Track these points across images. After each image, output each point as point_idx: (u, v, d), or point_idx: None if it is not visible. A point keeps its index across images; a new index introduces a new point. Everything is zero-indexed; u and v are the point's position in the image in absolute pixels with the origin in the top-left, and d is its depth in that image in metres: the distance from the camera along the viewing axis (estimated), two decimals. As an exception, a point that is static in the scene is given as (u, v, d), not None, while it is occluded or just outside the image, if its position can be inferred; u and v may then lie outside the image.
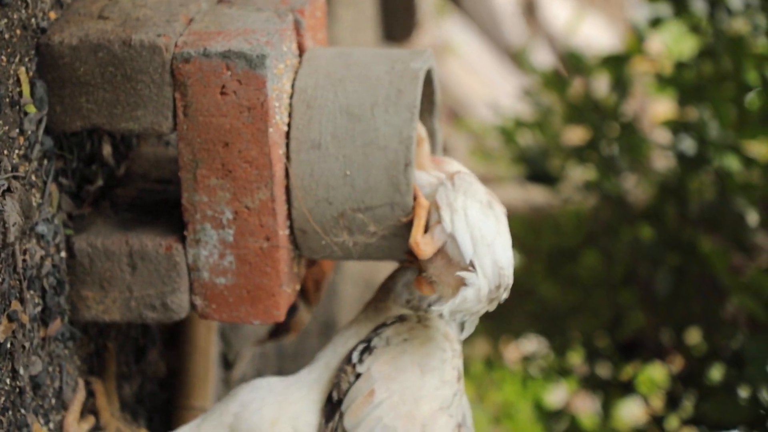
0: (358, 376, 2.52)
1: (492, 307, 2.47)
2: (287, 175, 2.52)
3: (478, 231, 2.41)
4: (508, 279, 2.44)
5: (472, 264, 2.39)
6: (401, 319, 2.59)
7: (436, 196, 2.46)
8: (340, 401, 2.51)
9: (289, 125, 2.52)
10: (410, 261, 2.57)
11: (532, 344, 6.44)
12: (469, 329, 2.59)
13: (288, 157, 2.51)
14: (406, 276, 2.66)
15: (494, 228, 2.44)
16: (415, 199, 2.49)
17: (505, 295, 2.45)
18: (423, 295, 2.61)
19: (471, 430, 2.69)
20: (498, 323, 6.28)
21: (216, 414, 2.56)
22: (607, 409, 5.46)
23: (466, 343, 7.42)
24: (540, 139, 5.41)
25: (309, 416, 2.53)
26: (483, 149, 6.65)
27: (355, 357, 2.54)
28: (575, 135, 5.54)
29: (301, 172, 2.51)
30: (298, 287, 2.69)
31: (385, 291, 2.69)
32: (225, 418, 2.54)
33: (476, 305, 2.42)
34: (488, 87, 9.29)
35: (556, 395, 7.49)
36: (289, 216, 2.56)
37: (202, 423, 2.56)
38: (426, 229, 2.46)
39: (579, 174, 5.33)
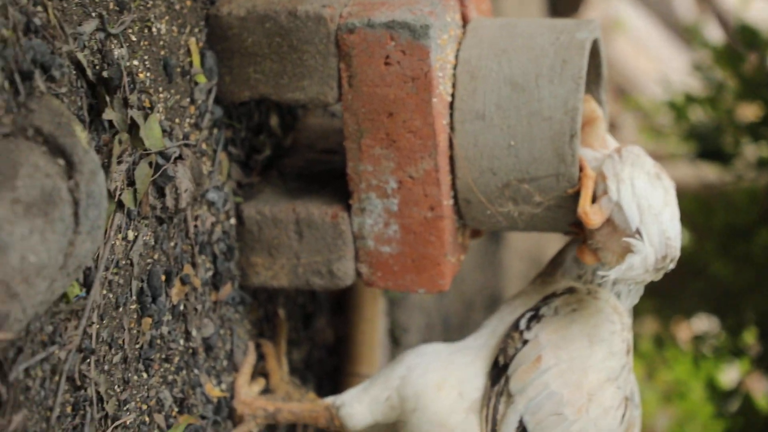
0: (525, 342, 2.53)
1: (658, 277, 2.45)
2: (451, 146, 2.54)
3: (645, 200, 2.40)
4: (675, 250, 2.42)
5: (638, 232, 2.38)
6: (570, 290, 2.59)
7: (603, 167, 2.46)
8: (506, 366, 2.53)
9: (452, 96, 2.54)
10: (576, 232, 2.57)
11: (703, 324, 6.35)
12: (634, 299, 2.59)
13: (452, 128, 2.53)
14: (570, 255, 2.66)
15: (662, 198, 2.43)
16: (581, 169, 2.49)
17: (671, 266, 2.44)
18: (594, 269, 2.61)
19: (638, 406, 2.67)
20: (668, 301, 6.20)
21: (383, 377, 2.60)
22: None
23: (636, 320, 7.37)
24: (712, 115, 5.30)
25: (475, 381, 2.55)
26: (652, 126, 6.56)
27: (522, 324, 2.56)
28: (749, 111, 5.42)
29: (465, 143, 2.53)
30: (462, 257, 2.71)
31: (554, 265, 2.70)
32: (392, 381, 2.58)
33: (642, 273, 2.41)
34: (657, 63, 9.13)
35: (729, 375, 7.36)
36: (453, 186, 2.58)
37: (369, 386, 2.61)
38: (593, 200, 2.46)
39: (753, 151, 5.22)
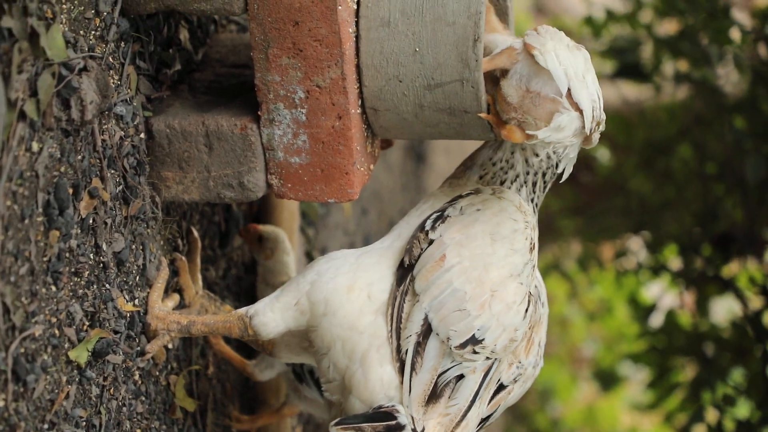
0: (430, 242, 2.58)
1: (589, 144, 2.54)
2: (357, 54, 2.56)
3: (571, 68, 2.48)
4: (601, 112, 2.54)
5: (569, 95, 2.46)
6: (477, 191, 2.65)
7: (527, 40, 2.51)
8: (411, 266, 2.58)
9: (358, 3, 2.55)
10: (491, 120, 2.59)
11: (625, 243, 6.43)
12: (568, 168, 2.67)
13: (358, 36, 2.55)
14: (484, 155, 2.71)
15: (583, 65, 2.52)
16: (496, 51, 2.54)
17: (601, 129, 2.54)
18: (498, 172, 2.65)
19: (545, 304, 2.74)
20: (591, 221, 6.28)
21: (294, 284, 2.64)
22: (702, 304, 5.45)
23: (560, 242, 7.44)
24: (631, 32, 5.34)
25: (382, 283, 2.60)
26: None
27: (428, 224, 2.61)
28: (669, 26, 5.47)
29: (371, 50, 2.55)
30: (372, 167, 2.74)
31: (464, 168, 2.75)
32: (302, 287, 2.62)
33: (571, 135, 2.51)
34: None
35: (651, 293, 7.48)
36: (361, 95, 2.60)
37: (281, 294, 2.64)
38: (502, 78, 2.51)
39: (671, 67, 5.27)
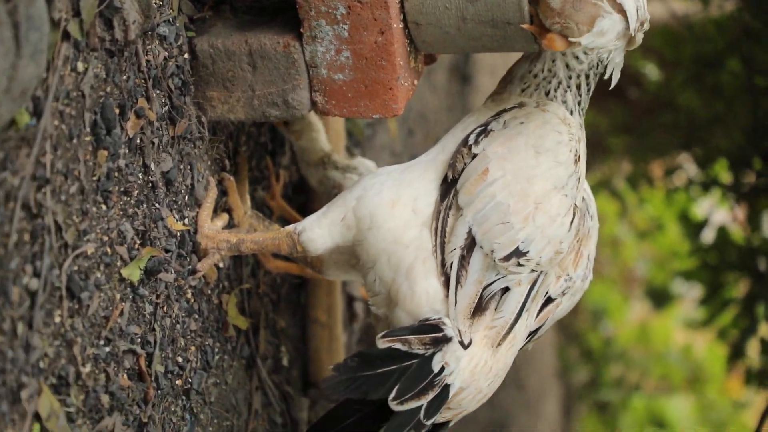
0: (474, 156, 2.58)
1: (633, 46, 2.52)
2: (398, -33, 2.55)
3: None
4: (645, 11, 2.51)
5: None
6: (520, 105, 2.64)
7: None
8: (455, 180, 2.58)
9: None
10: (532, 29, 2.56)
11: (675, 160, 6.40)
12: (616, 73, 2.65)
13: (398, -53, 2.54)
14: (523, 68, 2.69)
15: None
16: None
17: (641, 33, 2.52)
18: (541, 82, 2.64)
19: (594, 217, 2.73)
20: (639, 139, 6.24)
21: (341, 200, 2.66)
22: (754, 218, 5.42)
23: (610, 161, 7.40)
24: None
25: (427, 197, 2.61)
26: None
27: (471, 139, 2.61)
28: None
29: (411, -37, 2.54)
30: (416, 82, 2.74)
31: (503, 83, 2.74)
32: (348, 203, 2.63)
33: (614, 40, 2.49)
34: None
35: (702, 209, 7.44)
36: (402, 9, 2.59)
37: (328, 210, 2.67)
38: None
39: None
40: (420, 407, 2.51)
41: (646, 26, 2.52)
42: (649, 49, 5.93)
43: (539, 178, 2.55)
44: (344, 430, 2.57)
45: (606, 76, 2.63)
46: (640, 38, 2.53)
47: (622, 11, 2.46)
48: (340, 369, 2.49)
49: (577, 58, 2.59)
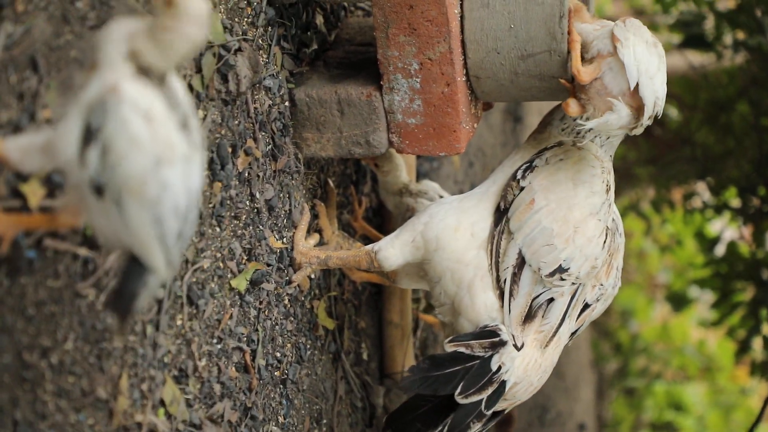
0: (521, 189, 2.56)
1: (636, 132, 2.48)
2: (462, 31, 2.53)
3: (644, 65, 2.40)
4: (661, 108, 2.46)
5: (634, 92, 2.39)
6: (559, 144, 2.61)
7: (615, 31, 2.44)
8: (506, 209, 2.56)
9: (462, -12, 2.53)
10: (568, 87, 2.54)
11: (692, 187, 6.33)
12: (613, 147, 2.62)
13: (462, 16, 2.52)
14: (561, 112, 2.67)
15: (656, 64, 2.43)
16: (569, 34, 2.48)
17: (650, 122, 2.46)
18: (574, 125, 2.61)
19: (622, 235, 2.70)
20: (662, 169, 6.17)
21: (410, 225, 2.65)
22: (759, 236, 5.33)
23: (637, 187, 7.29)
24: (695, 8, 5.21)
25: (482, 223, 2.59)
26: (648, 23, 6.46)
27: (519, 174, 2.59)
28: (728, 2, 5.32)
29: (473, 28, 2.52)
30: (476, 125, 2.72)
31: (543, 125, 2.71)
32: (417, 227, 2.62)
33: (615, 129, 2.46)
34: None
35: (715, 228, 7.34)
36: (465, 65, 2.58)
37: (400, 233, 2.66)
38: (582, 61, 2.46)
39: (730, 37, 5.13)
40: (481, 400, 2.50)
41: (650, 122, 2.46)
42: (671, 94, 5.87)
43: (577, 206, 2.52)
44: (418, 417, 2.57)
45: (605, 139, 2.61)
46: (641, 129, 2.48)
47: (637, 106, 2.42)
48: (414, 370, 2.51)
49: None
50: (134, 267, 1.68)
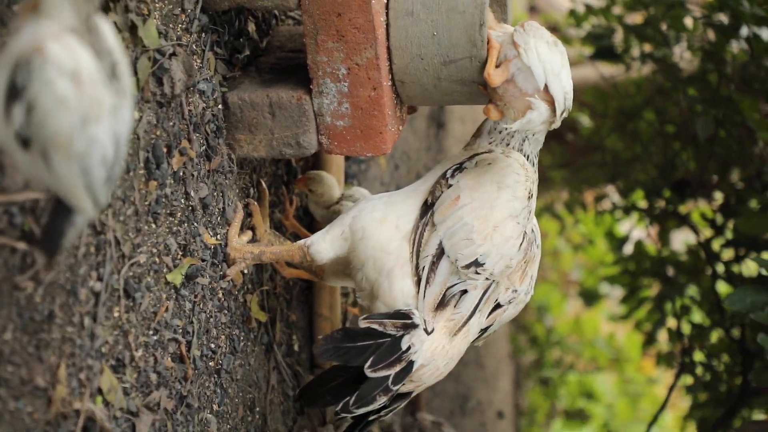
0: (449, 186, 2.57)
1: (555, 126, 2.51)
2: (388, 38, 2.53)
3: (549, 64, 2.42)
4: (570, 102, 2.49)
5: (545, 90, 2.41)
6: (490, 151, 2.63)
7: (514, 37, 2.47)
8: (432, 204, 2.57)
9: (388, -3, 2.53)
10: (485, 92, 2.56)
11: (602, 190, 6.41)
12: (536, 147, 2.65)
13: (387, 24, 2.52)
14: (489, 124, 2.68)
15: (559, 61, 2.46)
16: (488, 43, 2.50)
17: (565, 114, 2.49)
18: (501, 136, 2.63)
19: (539, 246, 2.71)
20: (575, 173, 6.24)
21: (340, 220, 2.65)
22: (664, 236, 5.41)
23: (552, 190, 7.34)
24: (605, 23, 5.28)
25: (408, 217, 2.59)
26: (561, 36, 6.53)
27: (449, 173, 2.60)
28: (636, 17, 5.40)
29: (398, 35, 2.52)
30: (401, 127, 2.72)
31: (474, 137, 2.73)
32: (346, 221, 2.62)
33: (539, 125, 2.48)
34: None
35: (624, 228, 7.44)
36: (391, 70, 2.57)
37: (330, 228, 2.65)
38: (497, 66, 2.48)
39: (637, 49, 5.21)
40: (389, 376, 2.50)
41: (566, 114, 2.50)
42: (583, 103, 5.94)
43: (499, 208, 2.53)
44: (329, 390, 2.58)
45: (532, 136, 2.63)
46: (559, 123, 2.52)
47: (551, 101, 2.45)
48: (328, 339, 2.50)
49: None
50: (62, 208, 1.64)
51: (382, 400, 2.53)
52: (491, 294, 2.60)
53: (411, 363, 2.52)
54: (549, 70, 2.43)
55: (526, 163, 2.62)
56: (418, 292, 2.55)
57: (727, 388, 4.82)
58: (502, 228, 2.54)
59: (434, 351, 2.55)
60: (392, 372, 2.51)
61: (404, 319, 2.53)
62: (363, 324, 2.52)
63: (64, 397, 1.96)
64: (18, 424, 1.84)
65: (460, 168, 2.60)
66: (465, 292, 2.56)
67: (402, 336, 2.52)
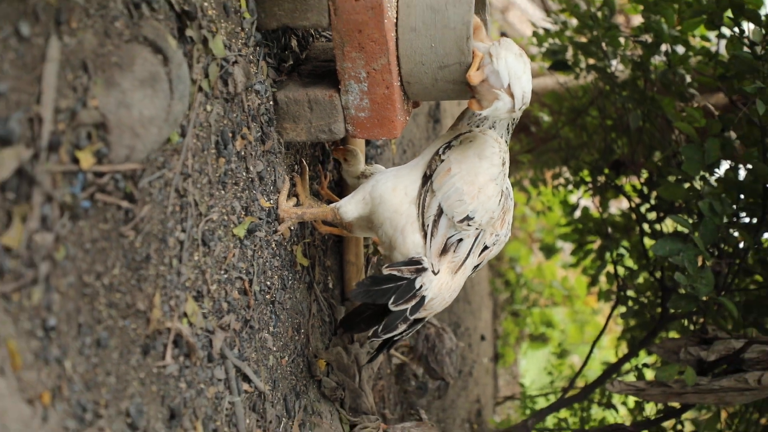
0: (442, 161, 2.54)
1: (517, 116, 2.47)
2: (397, 48, 2.50)
3: (513, 70, 2.39)
4: (528, 99, 2.45)
5: (509, 88, 2.38)
6: (470, 131, 2.59)
7: (491, 49, 2.44)
8: (431, 175, 2.54)
9: (396, 17, 2.49)
10: (470, 90, 2.53)
11: (559, 169, 6.36)
12: (508, 133, 2.60)
13: (397, 38, 2.49)
14: (468, 112, 2.65)
15: (522, 68, 2.42)
16: (474, 52, 2.46)
17: (521, 111, 2.45)
18: (477, 120, 2.60)
19: (512, 199, 2.69)
20: (538, 157, 6.19)
21: (362, 188, 2.62)
22: (604, 203, 5.38)
23: (521, 169, 7.26)
24: (560, 42, 5.22)
25: (413, 186, 2.57)
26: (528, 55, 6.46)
27: (441, 150, 2.57)
28: (583, 37, 5.34)
29: (405, 46, 2.49)
30: (408, 117, 2.69)
31: (457, 121, 2.69)
32: (366, 189, 2.60)
33: (504, 113, 2.44)
34: (528, 16, 8.93)
35: (574, 198, 7.40)
36: (400, 73, 2.54)
37: (354, 194, 2.63)
38: (477, 69, 2.44)
39: (584, 62, 5.15)
40: (407, 309, 2.49)
41: (525, 107, 2.46)
42: (543, 104, 5.90)
43: (481, 174, 2.51)
44: (363, 319, 2.57)
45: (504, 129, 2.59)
46: (519, 114, 2.48)
47: (512, 95, 2.41)
48: (360, 285, 2.48)
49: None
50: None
51: (402, 327, 2.52)
52: (480, 239, 2.58)
53: (423, 297, 2.51)
54: (512, 74, 2.39)
55: (499, 138, 2.59)
56: (425, 243, 2.53)
57: (650, 315, 4.82)
58: (485, 189, 2.51)
59: (441, 286, 2.53)
60: (409, 306, 2.49)
61: (416, 265, 2.51)
62: (385, 271, 2.51)
63: (158, 318, 1.95)
64: (125, 338, 1.84)
65: (448, 146, 2.57)
66: (461, 240, 2.54)
67: (416, 278, 2.50)
